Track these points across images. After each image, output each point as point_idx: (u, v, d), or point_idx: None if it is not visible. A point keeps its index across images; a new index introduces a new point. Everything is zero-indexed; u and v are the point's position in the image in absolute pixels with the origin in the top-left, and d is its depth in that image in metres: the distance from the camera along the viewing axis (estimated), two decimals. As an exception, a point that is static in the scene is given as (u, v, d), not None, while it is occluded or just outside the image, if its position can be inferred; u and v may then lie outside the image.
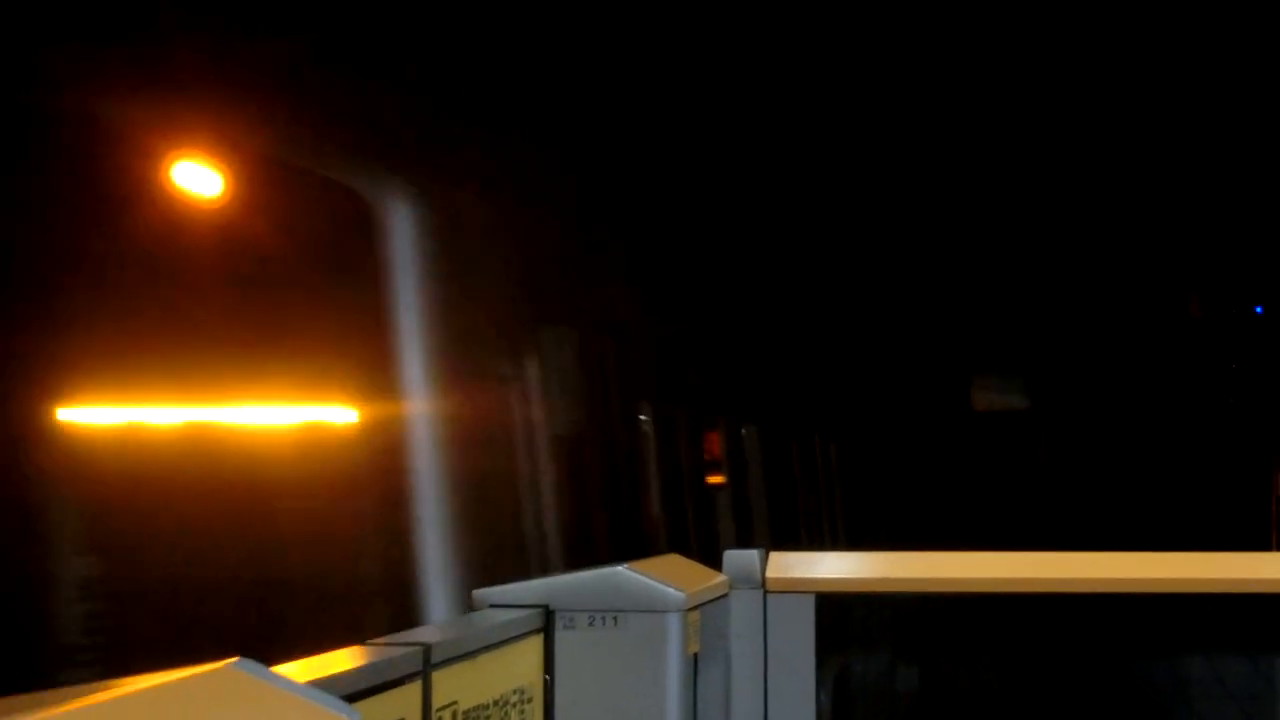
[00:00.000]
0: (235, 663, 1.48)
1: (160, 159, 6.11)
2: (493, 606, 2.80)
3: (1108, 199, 15.33)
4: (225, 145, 6.30)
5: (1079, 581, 3.08)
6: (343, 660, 1.99)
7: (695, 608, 2.85)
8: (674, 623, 2.74)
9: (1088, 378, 16.74)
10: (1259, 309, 15.99)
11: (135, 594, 5.91)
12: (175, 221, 6.12)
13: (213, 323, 6.25)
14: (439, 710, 2.19)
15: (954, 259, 16.22)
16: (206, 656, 1.44)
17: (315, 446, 6.87)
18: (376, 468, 7.25)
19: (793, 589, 3.15)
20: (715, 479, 14.07)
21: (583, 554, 9.02)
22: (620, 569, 2.83)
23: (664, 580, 2.81)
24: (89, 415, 5.93)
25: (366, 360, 7.20)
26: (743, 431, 15.05)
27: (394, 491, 7.34)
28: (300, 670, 1.83)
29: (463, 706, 2.29)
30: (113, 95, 5.76)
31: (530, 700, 2.63)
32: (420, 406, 7.37)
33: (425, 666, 2.14)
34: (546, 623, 2.74)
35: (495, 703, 2.45)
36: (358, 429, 7.13)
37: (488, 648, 2.45)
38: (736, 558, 3.18)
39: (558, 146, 9.43)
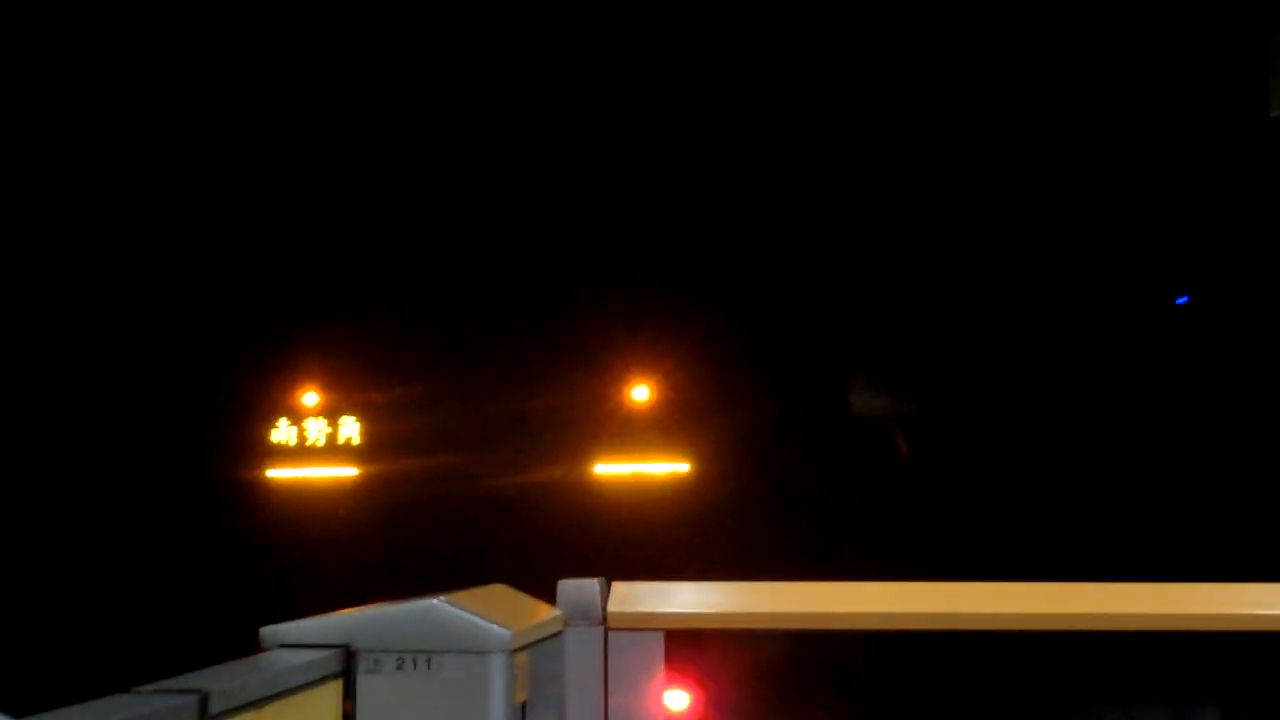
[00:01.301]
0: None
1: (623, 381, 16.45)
2: (283, 647, 2.76)
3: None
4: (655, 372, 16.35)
5: (967, 617, 3.14)
6: (105, 710, 1.96)
7: (523, 648, 2.84)
8: (497, 665, 2.71)
9: (991, 377, 17.01)
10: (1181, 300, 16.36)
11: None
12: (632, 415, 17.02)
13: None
14: (216, 769, 2.14)
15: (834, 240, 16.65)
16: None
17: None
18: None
19: (639, 625, 3.14)
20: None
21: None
22: (435, 602, 2.81)
23: (486, 616, 2.79)
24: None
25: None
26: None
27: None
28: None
29: (245, 764, 2.26)
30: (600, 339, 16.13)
31: (326, 757, 2.57)
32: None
33: (201, 718, 2.11)
34: (347, 665, 2.70)
35: (284, 760, 2.40)
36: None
37: (276, 695, 2.41)
38: (572, 589, 3.19)
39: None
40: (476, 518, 16.22)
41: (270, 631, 2.79)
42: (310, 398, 16.60)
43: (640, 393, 16.88)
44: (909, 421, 17.11)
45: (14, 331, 15.55)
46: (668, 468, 16.94)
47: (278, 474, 16.61)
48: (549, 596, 3.11)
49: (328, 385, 16.63)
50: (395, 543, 15.89)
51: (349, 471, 16.63)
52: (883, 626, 3.18)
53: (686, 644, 3.13)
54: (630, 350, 16.79)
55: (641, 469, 16.90)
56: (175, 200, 16.01)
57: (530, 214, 16.36)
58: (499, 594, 3.16)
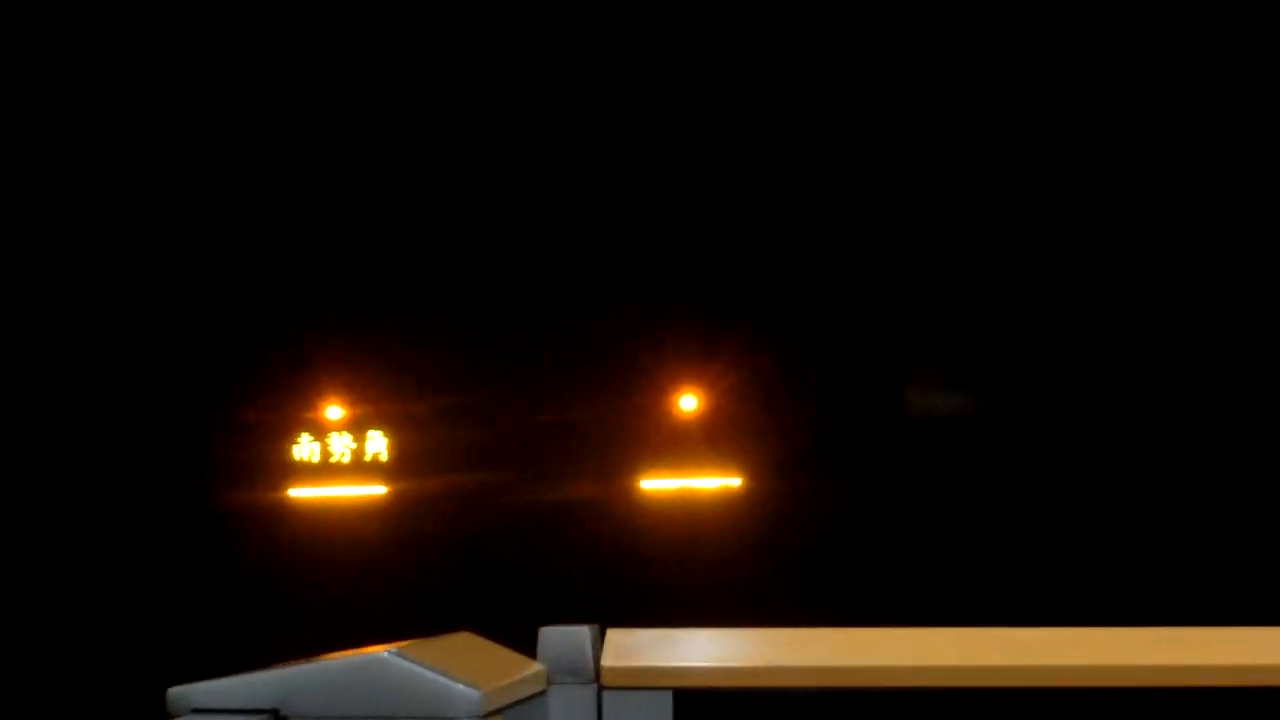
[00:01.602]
0: None
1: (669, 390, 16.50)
2: (197, 712, 2.47)
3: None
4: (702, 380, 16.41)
5: (1044, 671, 2.74)
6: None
7: (496, 712, 2.50)
8: (464, 733, 2.37)
9: (1069, 367, 16.70)
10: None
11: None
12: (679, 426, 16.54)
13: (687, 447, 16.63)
14: None
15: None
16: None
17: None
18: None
19: (641, 683, 2.74)
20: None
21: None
22: (385, 655, 2.46)
23: (449, 672, 2.45)
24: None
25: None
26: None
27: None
28: None
29: None
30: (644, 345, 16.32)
31: None
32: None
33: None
34: (275, 735, 2.38)
35: None
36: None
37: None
38: (558, 638, 2.77)
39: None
40: (515, 537, 16.11)
41: (180, 693, 2.48)
42: (334, 411, 16.37)
43: (688, 402, 16.61)
44: (974, 422, 16.79)
45: (16, 342, 15.55)
46: (718, 482, 16.62)
47: (300, 493, 16.35)
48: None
49: (353, 397, 16.42)
50: (428, 566, 15.74)
51: (377, 490, 16.39)
52: (945, 682, 2.77)
53: (700, 707, 2.73)
54: (676, 357, 16.57)
55: (690, 484, 16.58)
56: (187, 202, 15.98)
57: (571, 216, 16.36)
58: (466, 643, 2.75)
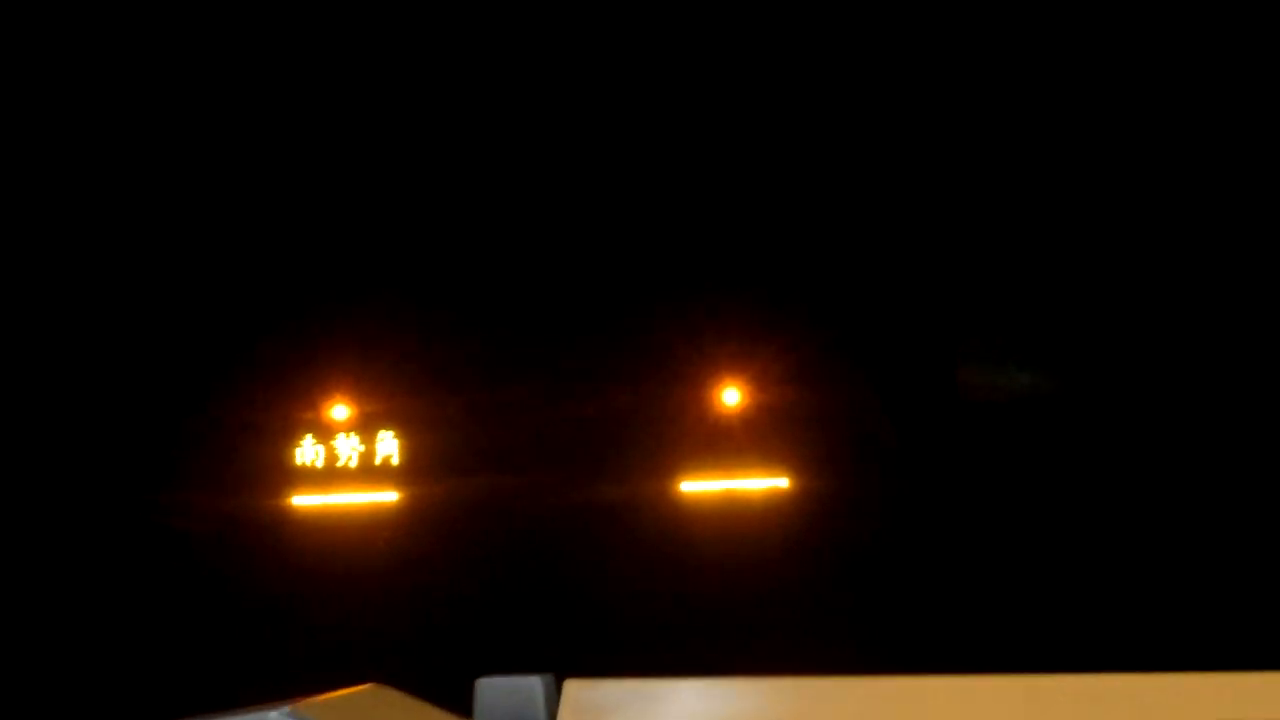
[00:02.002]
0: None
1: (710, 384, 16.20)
2: None
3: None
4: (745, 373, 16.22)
5: None
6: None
7: None
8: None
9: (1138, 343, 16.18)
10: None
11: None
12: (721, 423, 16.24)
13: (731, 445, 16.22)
14: None
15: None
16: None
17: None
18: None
19: None
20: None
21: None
22: (274, 715, 2.17)
23: None
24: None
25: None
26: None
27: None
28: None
29: None
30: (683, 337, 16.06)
31: None
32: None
33: None
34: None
35: None
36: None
37: None
38: (500, 692, 2.19)
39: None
40: (543, 546, 15.79)
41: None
42: (340, 410, 15.92)
43: (730, 396, 16.16)
44: (1038, 406, 16.22)
45: (9, 338, 15.36)
46: (764, 483, 16.19)
47: (303, 501, 15.93)
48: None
49: (361, 395, 16.00)
50: (445, 579, 15.41)
51: (388, 496, 15.94)
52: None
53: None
54: (717, 348, 16.22)
55: (734, 485, 16.15)
56: (180, 189, 15.78)
57: (604, 200, 16.13)
58: (373, 701, 2.19)
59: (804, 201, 16.09)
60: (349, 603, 15.30)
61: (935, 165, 15.98)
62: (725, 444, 16.17)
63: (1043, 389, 16.34)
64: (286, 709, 2.18)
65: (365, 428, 15.89)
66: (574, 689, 2.24)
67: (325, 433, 15.88)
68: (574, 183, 16.00)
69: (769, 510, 16.15)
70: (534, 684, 2.20)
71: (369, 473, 15.90)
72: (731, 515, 16.17)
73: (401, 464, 15.90)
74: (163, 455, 15.80)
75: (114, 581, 15.41)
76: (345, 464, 15.87)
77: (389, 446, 15.89)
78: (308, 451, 15.85)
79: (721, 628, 15.47)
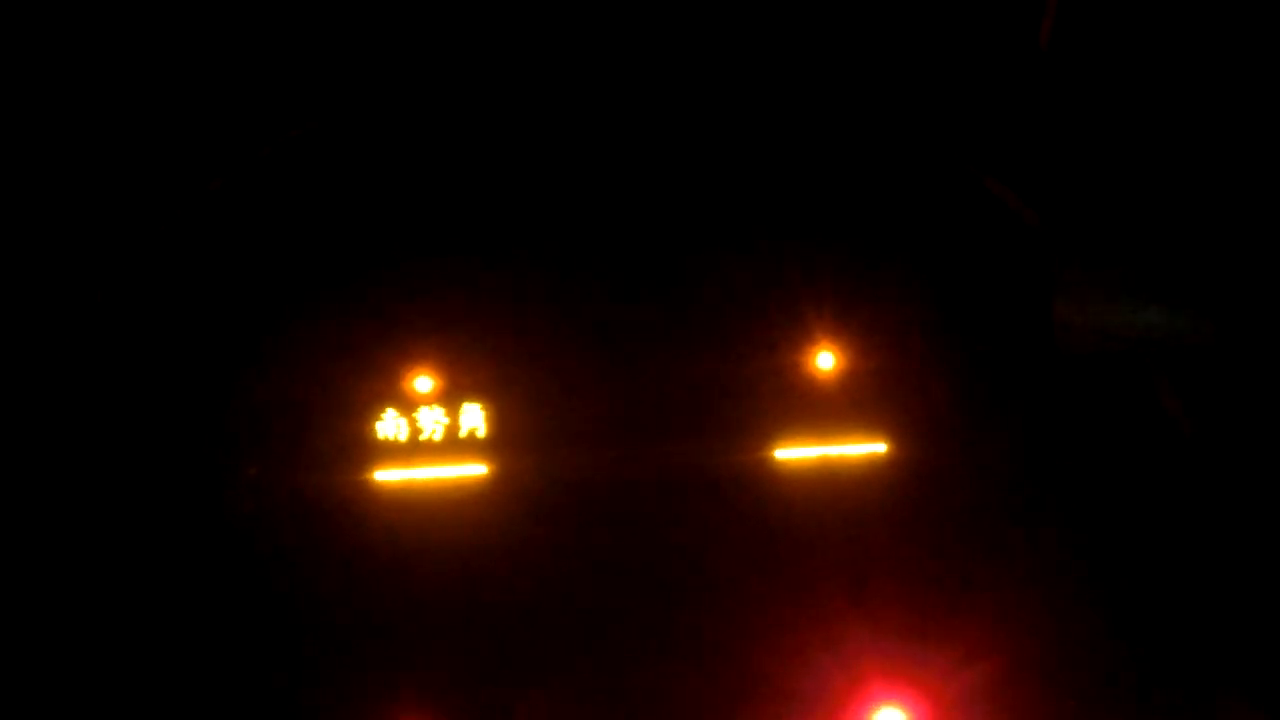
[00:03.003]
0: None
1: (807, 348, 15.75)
2: None
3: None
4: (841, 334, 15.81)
5: None
6: None
7: None
8: None
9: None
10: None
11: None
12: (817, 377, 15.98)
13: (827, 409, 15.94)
14: None
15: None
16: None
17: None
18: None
19: None
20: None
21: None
22: None
23: None
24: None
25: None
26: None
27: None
28: None
29: None
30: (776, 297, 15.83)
31: None
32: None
33: None
34: None
35: None
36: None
37: None
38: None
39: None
40: (635, 517, 15.34)
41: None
42: (424, 382, 15.53)
43: (825, 360, 15.87)
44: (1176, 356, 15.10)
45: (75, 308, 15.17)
46: (861, 449, 15.85)
47: (386, 476, 15.48)
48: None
49: (445, 366, 15.68)
50: (537, 553, 15.14)
51: (476, 470, 15.54)
52: None
53: None
54: (811, 311, 15.87)
55: (830, 450, 15.79)
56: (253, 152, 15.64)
57: (696, 161, 15.82)
58: None
59: (900, 150, 15.88)
60: (434, 576, 14.99)
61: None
62: (821, 409, 15.85)
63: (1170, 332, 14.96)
64: None
65: (450, 400, 15.49)
66: None
67: (408, 405, 15.46)
68: (666, 144, 15.81)
69: (867, 477, 15.82)
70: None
71: (455, 446, 15.49)
72: (827, 482, 15.85)
73: (488, 436, 15.50)
74: (236, 431, 15.43)
75: (189, 563, 15.05)
76: (429, 438, 15.46)
77: (475, 418, 15.47)
78: (389, 425, 15.41)
79: (818, 595, 15.25)
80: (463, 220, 15.81)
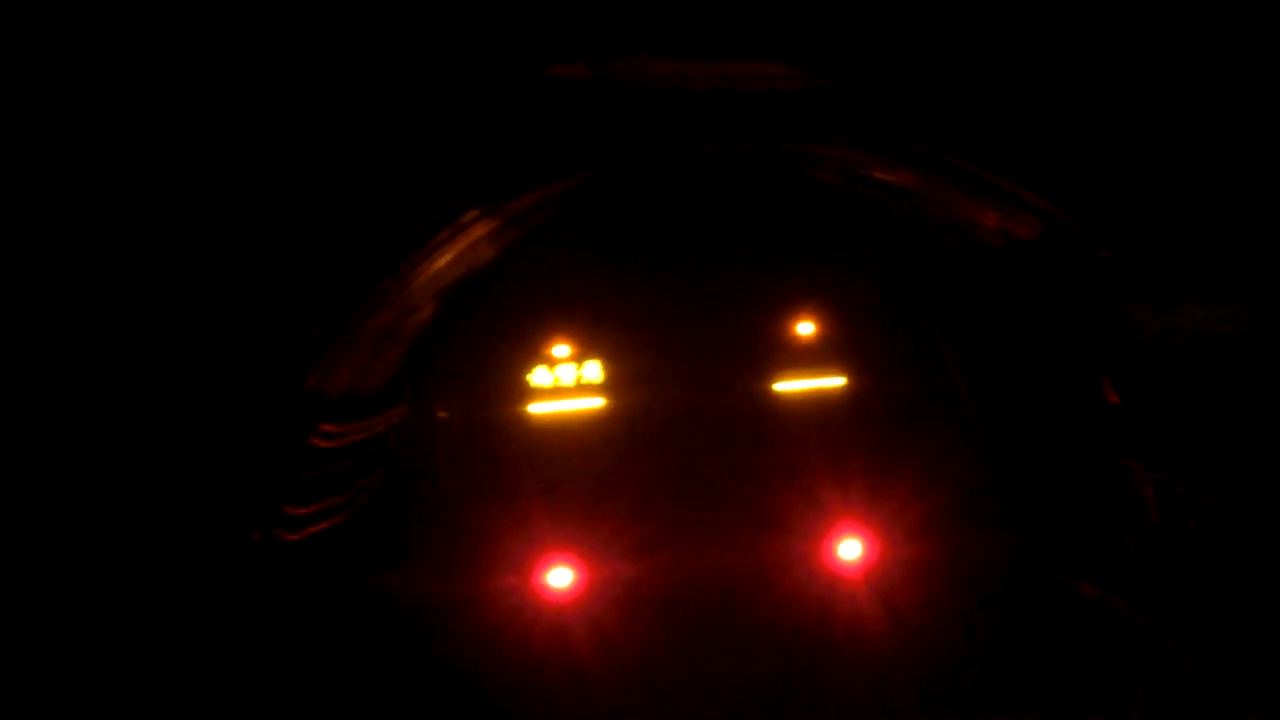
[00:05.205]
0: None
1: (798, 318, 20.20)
2: None
3: None
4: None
5: None
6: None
7: None
8: None
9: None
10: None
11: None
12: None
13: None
14: None
15: None
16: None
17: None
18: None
19: None
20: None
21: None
22: None
23: None
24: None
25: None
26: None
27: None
28: None
29: None
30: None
31: None
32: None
33: None
34: None
35: None
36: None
37: None
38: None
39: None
40: (701, 429, 20.25)
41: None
42: (561, 348, 20.95)
43: (805, 328, 21.60)
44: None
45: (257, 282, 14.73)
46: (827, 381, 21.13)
47: (538, 409, 20.89)
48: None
49: (574, 335, 20.95)
50: (636, 454, 20.14)
51: (596, 403, 20.78)
52: None
53: None
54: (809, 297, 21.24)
55: (812, 384, 21.22)
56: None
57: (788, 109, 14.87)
58: None
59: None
60: (575, 478, 20.15)
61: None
62: (805, 357, 21.02)
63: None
64: None
65: (578, 358, 20.88)
66: None
67: (550, 362, 20.94)
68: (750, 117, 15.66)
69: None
70: None
71: (582, 389, 20.81)
72: (813, 402, 20.76)
73: (604, 382, 20.81)
74: (431, 389, 20.72)
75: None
76: (565, 384, 20.94)
77: (595, 371, 20.86)
78: (540, 376, 20.92)
79: (808, 461, 19.74)
80: (586, 227, 19.75)
